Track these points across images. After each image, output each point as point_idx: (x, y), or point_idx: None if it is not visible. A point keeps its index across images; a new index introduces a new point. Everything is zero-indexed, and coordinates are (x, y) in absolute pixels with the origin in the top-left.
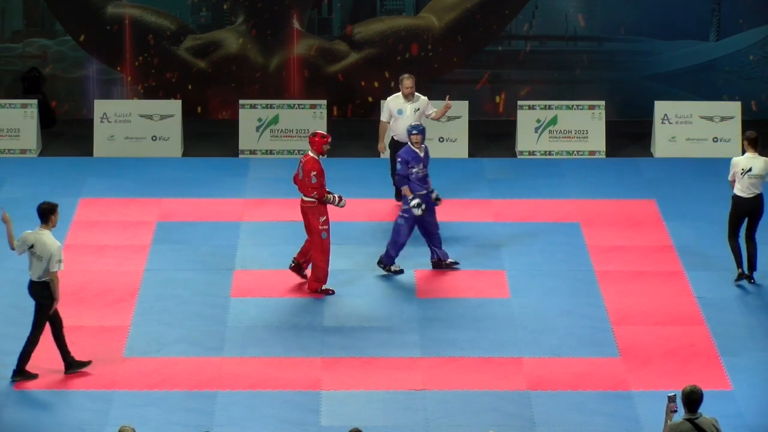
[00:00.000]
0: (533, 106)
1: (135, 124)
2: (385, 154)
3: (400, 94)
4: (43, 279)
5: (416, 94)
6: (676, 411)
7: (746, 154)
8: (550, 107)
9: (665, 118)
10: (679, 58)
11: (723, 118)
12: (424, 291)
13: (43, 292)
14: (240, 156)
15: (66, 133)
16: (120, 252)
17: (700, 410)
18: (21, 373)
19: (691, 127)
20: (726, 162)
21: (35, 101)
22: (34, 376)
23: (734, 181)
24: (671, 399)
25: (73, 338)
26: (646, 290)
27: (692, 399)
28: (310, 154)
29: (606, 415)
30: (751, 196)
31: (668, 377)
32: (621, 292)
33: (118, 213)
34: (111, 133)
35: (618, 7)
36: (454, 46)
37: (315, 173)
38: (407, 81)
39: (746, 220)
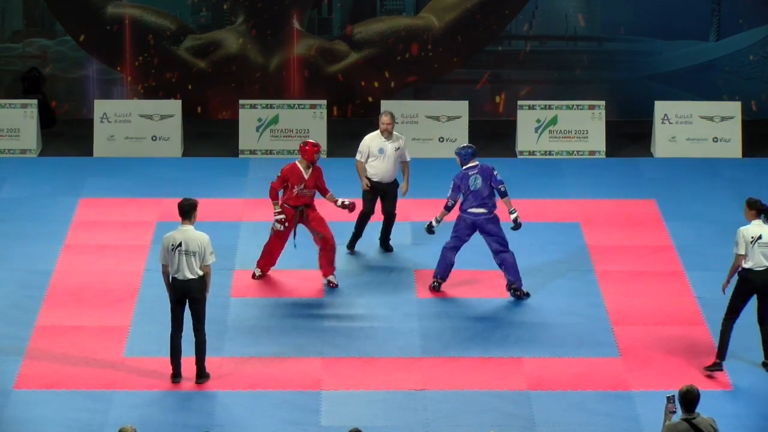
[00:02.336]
0: (533, 106)
1: (135, 124)
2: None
3: (377, 132)
4: (197, 276)
5: (395, 133)
6: (674, 412)
7: (753, 222)
8: (550, 107)
9: (665, 118)
10: (679, 58)
11: (723, 118)
12: (424, 291)
13: (197, 287)
14: (240, 156)
15: (66, 133)
16: (120, 252)
17: (698, 410)
18: (202, 375)
19: (691, 127)
20: (726, 162)
21: (35, 101)
22: (208, 376)
23: (743, 254)
24: (670, 400)
25: (73, 338)
26: (646, 290)
27: (688, 399)
28: (297, 162)
29: (606, 415)
30: (763, 269)
31: (668, 377)
32: (621, 292)
33: (118, 213)
34: (111, 133)
35: (618, 7)
36: (454, 46)
37: (279, 175)
38: (386, 117)
39: (756, 298)
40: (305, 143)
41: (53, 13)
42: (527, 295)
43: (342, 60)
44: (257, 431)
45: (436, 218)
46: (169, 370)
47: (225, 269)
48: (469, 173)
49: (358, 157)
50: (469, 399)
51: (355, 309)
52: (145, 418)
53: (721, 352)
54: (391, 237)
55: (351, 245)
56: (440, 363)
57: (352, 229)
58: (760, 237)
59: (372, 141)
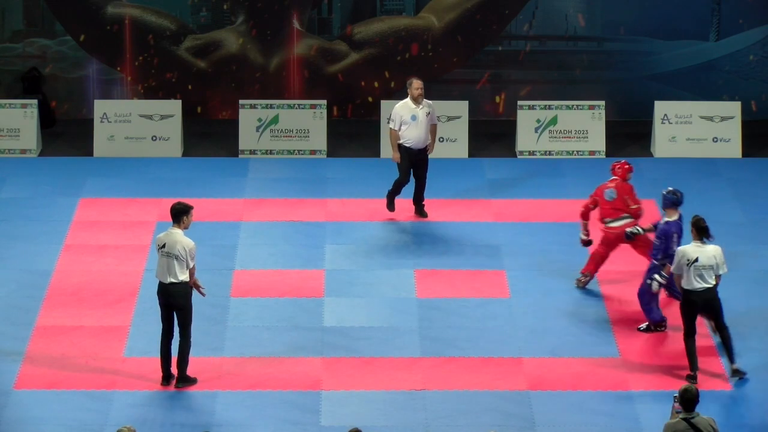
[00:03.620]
0: (533, 106)
1: (135, 124)
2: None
3: (407, 99)
4: (178, 280)
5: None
6: (681, 411)
7: (693, 243)
8: (550, 107)
9: (665, 118)
10: (679, 58)
11: (723, 118)
12: (424, 291)
13: (178, 292)
14: (240, 156)
15: (66, 133)
16: (120, 252)
17: (698, 410)
18: (185, 380)
19: (691, 127)
20: (726, 162)
21: (35, 101)
22: (195, 381)
23: (680, 275)
24: (676, 399)
25: (73, 338)
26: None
27: (687, 398)
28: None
29: (606, 415)
30: (703, 289)
31: (668, 377)
32: (621, 292)
33: (118, 213)
34: (111, 133)
35: (618, 7)
36: (454, 46)
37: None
38: (417, 82)
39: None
40: (619, 164)
41: (53, 13)
42: None
43: (342, 60)
44: (257, 431)
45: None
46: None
47: (225, 269)
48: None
49: (390, 125)
50: (469, 399)
51: (355, 309)
52: (145, 418)
53: (692, 363)
54: (424, 201)
55: (391, 204)
56: (440, 363)
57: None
58: (696, 260)
59: (403, 109)
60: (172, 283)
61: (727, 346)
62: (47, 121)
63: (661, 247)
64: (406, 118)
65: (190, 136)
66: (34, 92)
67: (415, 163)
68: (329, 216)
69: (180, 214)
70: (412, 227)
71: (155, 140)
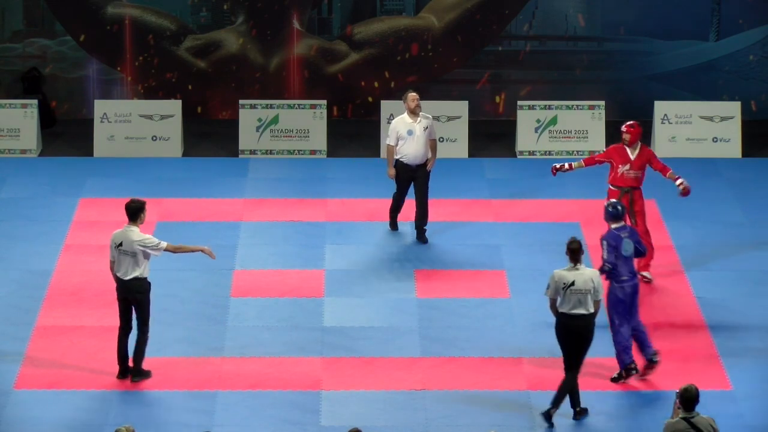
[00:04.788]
0: (533, 106)
1: (135, 124)
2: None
3: (404, 114)
4: (137, 276)
5: (421, 112)
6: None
7: (568, 266)
8: (550, 107)
9: (665, 118)
10: (679, 58)
11: (723, 118)
12: (424, 291)
13: (138, 288)
14: (240, 156)
15: (66, 133)
16: None
17: (698, 410)
18: (140, 373)
19: (691, 127)
20: (726, 162)
21: (35, 101)
22: (149, 374)
23: (554, 299)
24: (678, 396)
25: (72, 338)
26: (646, 290)
27: (686, 397)
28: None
29: (606, 415)
30: (579, 314)
31: (668, 377)
32: None
33: (118, 213)
34: (111, 133)
35: (618, 7)
36: (454, 46)
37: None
38: (412, 95)
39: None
40: (631, 124)
41: (53, 13)
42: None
43: (342, 60)
44: (257, 431)
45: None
46: (170, 369)
47: (225, 269)
48: (621, 235)
49: (387, 141)
50: (469, 399)
51: (355, 309)
52: (145, 418)
53: (557, 404)
54: (426, 228)
55: (394, 224)
56: (440, 363)
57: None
58: (573, 283)
59: (399, 123)
60: (130, 279)
61: (572, 392)
62: (47, 121)
63: (611, 253)
64: (402, 132)
65: (190, 136)
66: (34, 92)
67: (413, 180)
68: (329, 216)
69: (137, 211)
70: (412, 227)
71: (155, 140)
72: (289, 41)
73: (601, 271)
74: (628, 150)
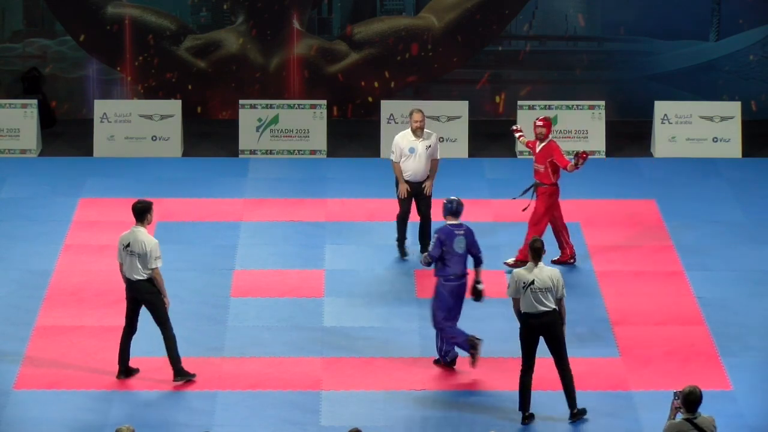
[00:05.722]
0: (533, 106)
1: (135, 124)
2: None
3: (408, 130)
4: (144, 277)
5: (426, 130)
6: (680, 408)
7: (528, 265)
8: (550, 107)
9: (665, 118)
10: (679, 58)
11: (723, 118)
12: (424, 291)
13: (147, 289)
14: (240, 156)
15: (66, 133)
16: None
17: (699, 409)
18: (180, 374)
19: (691, 127)
20: (726, 162)
21: (35, 101)
22: (193, 376)
23: (516, 298)
24: (677, 396)
25: (72, 338)
26: (646, 290)
27: (691, 399)
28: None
29: (606, 415)
30: (540, 312)
31: (668, 377)
32: (621, 292)
33: (118, 213)
34: (111, 133)
35: (618, 7)
36: (454, 46)
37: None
38: (417, 115)
39: (542, 341)
40: (545, 117)
41: (53, 13)
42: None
43: (342, 60)
44: (257, 431)
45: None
46: (170, 369)
47: (225, 269)
48: (455, 231)
49: (392, 157)
50: (469, 399)
51: (355, 309)
52: (145, 418)
53: (523, 403)
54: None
55: (401, 251)
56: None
57: (395, 235)
58: (532, 282)
59: (402, 140)
60: (138, 280)
61: (567, 388)
62: (47, 121)
63: (437, 247)
64: (404, 150)
65: (190, 136)
66: (34, 92)
67: (415, 197)
68: (329, 216)
69: (144, 212)
70: (412, 227)
71: (155, 140)
72: (289, 41)
73: (423, 263)
74: (538, 144)
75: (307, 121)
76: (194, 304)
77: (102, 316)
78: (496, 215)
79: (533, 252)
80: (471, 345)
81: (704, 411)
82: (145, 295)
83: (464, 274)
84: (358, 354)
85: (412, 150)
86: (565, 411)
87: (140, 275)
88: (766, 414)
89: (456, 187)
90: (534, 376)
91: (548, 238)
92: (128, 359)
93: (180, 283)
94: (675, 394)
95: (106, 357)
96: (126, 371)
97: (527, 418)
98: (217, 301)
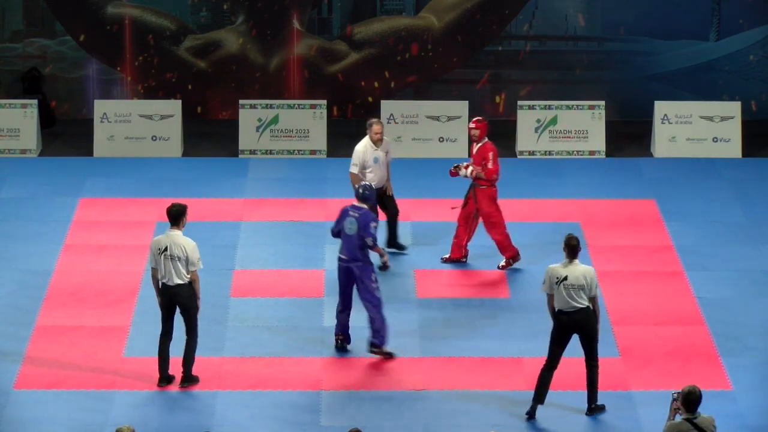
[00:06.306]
0: (533, 106)
1: (135, 124)
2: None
3: (367, 140)
4: (184, 281)
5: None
6: (679, 409)
7: (563, 261)
8: (550, 107)
9: (665, 118)
10: (679, 58)
11: (723, 118)
12: (424, 291)
13: (186, 293)
14: (240, 156)
15: (66, 133)
16: (120, 252)
17: (699, 409)
18: (189, 379)
19: (691, 127)
20: (726, 162)
21: (35, 101)
22: (197, 380)
23: (549, 294)
24: (675, 397)
25: (73, 338)
26: (646, 290)
27: (690, 399)
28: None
29: (606, 414)
30: (573, 309)
31: (668, 377)
32: (621, 292)
33: (118, 213)
34: (111, 133)
35: (618, 7)
36: (454, 46)
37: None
38: (377, 126)
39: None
40: (478, 119)
41: (53, 13)
42: (390, 354)
43: (342, 60)
44: (257, 431)
45: None
46: (170, 370)
47: (225, 269)
48: (350, 213)
49: (353, 170)
50: (469, 399)
51: (355, 309)
52: (145, 418)
53: (539, 394)
54: (399, 235)
55: (399, 247)
56: (440, 363)
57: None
58: (565, 278)
59: (365, 152)
60: (177, 285)
61: (591, 383)
62: (47, 121)
63: (337, 224)
64: (369, 162)
65: (190, 136)
66: (34, 92)
67: (381, 200)
68: (329, 216)
69: (179, 215)
70: (412, 227)
71: (155, 140)
72: (289, 41)
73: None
74: (474, 146)
75: (307, 121)
76: None
77: (102, 316)
78: None
79: (569, 249)
80: (336, 341)
81: (704, 411)
82: (183, 300)
83: (353, 259)
84: (358, 354)
85: (376, 160)
86: (566, 412)
87: (182, 279)
88: (766, 414)
89: (456, 187)
90: (534, 376)
91: (478, 240)
92: (168, 366)
93: None
94: (673, 395)
95: (106, 357)
96: (167, 378)
97: (532, 413)
98: (217, 301)
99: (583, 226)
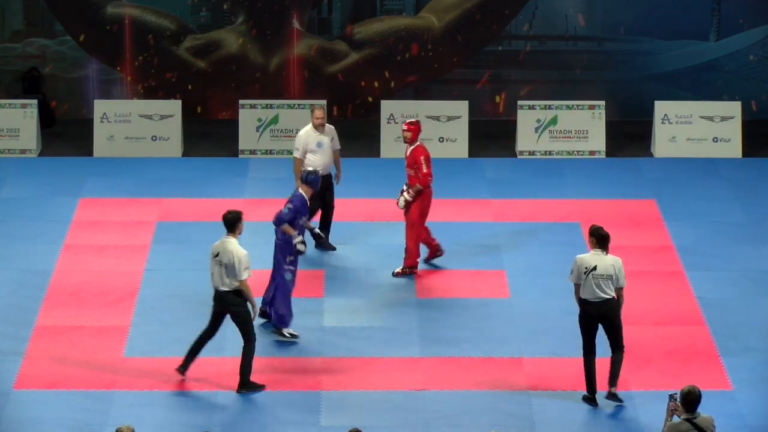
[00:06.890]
0: (533, 106)
1: (135, 124)
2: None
3: (309, 127)
4: (231, 288)
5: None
6: (676, 410)
7: (592, 252)
8: (550, 107)
9: (665, 118)
10: (679, 58)
11: (723, 118)
12: (424, 291)
13: (233, 300)
14: (240, 156)
15: (66, 133)
16: (120, 252)
17: (699, 409)
18: (246, 386)
19: (691, 127)
20: (726, 162)
21: (35, 101)
22: (261, 387)
23: (577, 283)
24: (672, 398)
25: (73, 338)
26: (646, 290)
27: (690, 399)
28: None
29: (606, 415)
30: (599, 300)
31: (668, 377)
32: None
33: (118, 213)
34: (111, 133)
35: (618, 7)
36: (454, 46)
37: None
38: (319, 111)
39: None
40: (411, 122)
41: (53, 13)
42: (295, 336)
43: (342, 60)
44: (257, 431)
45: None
46: (170, 369)
47: None
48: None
49: (296, 154)
50: (469, 399)
51: (355, 309)
52: (145, 418)
53: (590, 386)
54: (330, 231)
55: (325, 243)
56: (440, 363)
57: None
58: (594, 268)
59: (308, 136)
60: (224, 291)
61: (613, 368)
62: (47, 121)
63: (291, 214)
64: (311, 146)
65: (190, 136)
66: (34, 92)
67: (326, 190)
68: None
69: (234, 222)
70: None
71: (155, 140)
72: (289, 41)
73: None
74: (407, 148)
75: (307, 121)
76: (194, 304)
77: (102, 316)
78: (496, 215)
79: (598, 239)
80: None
81: (704, 411)
82: (230, 307)
83: (278, 237)
84: (358, 354)
85: (319, 145)
86: (563, 412)
87: (227, 286)
88: (766, 414)
89: (456, 187)
90: (533, 376)
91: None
92: (192, 360)
93: (180, 283)
94: (670, 396)
95: (106, 357)
96: (182, 367)
97: (590, 399)
98: None
99: (583, 226)
